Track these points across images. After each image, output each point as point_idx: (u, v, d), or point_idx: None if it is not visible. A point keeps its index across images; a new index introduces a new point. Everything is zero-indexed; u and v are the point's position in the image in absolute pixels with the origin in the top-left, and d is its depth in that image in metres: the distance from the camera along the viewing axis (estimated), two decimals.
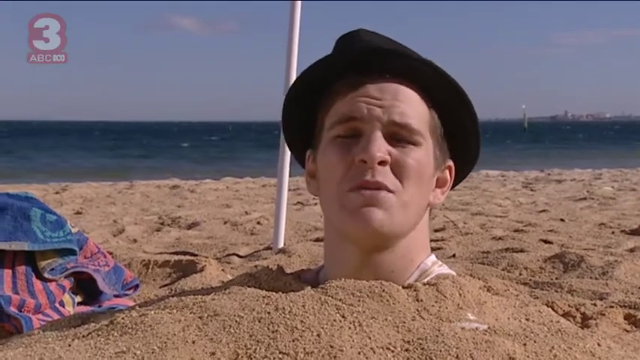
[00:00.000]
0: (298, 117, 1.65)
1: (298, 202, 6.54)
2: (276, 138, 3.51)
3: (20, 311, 1.96)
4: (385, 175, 1.45)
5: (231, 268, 3.52)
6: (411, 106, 1.50)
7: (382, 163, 1.45)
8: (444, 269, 1.59)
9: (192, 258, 3.56)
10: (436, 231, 4.58)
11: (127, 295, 2.43)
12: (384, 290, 1.37)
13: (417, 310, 1.34)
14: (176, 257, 3.60)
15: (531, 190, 8.84)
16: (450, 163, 1.60)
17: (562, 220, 5.13)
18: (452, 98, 1.54)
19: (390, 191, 1.46)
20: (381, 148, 1.44)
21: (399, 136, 1.48)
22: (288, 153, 3.45)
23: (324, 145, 1.54)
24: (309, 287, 1.44)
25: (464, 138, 1.59)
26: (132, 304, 2.20)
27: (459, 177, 1.64)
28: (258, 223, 5.04)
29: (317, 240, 3.76)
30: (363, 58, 1.52)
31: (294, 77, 3.28)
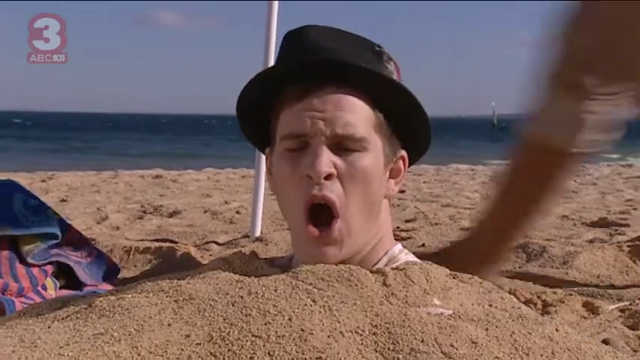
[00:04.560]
0: (251, 120, 1.66)
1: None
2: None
3: (3, 294, 1.94)
4: (331, 189, 1.47)
5: (210, 255, 3.51)
6: (355, 113, 1.50)
7: (328, 177, 1.47)
8: (411, 257, 1.60)
9: (172, 245, 3.56)
10: (407, 221, 4.58)
11: (108, 280, 2.41)
12: (352, 275, 1.36)
13: (385, 295, 1.34)
14: (157, 244, 3.59)
15: None
16: (403, 153, 1.61)
17: None
18: (396, 97, 1.54)
19: (336, 214, 1.48)
20: (326, 162, 1.46)
21: (344, 145, 1.49)
22: None
23: (276, 154, 1.56)
24: (281, 272, 1.44)
25: (413, 129, 1.60)
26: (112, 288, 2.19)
27: (413, 161, 1.66)
28: (237, 212, 5.04)
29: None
30: (307, 70, 1.51)
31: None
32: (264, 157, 3.60)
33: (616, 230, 3.86)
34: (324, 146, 1.47)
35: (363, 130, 1.49)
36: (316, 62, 1.51)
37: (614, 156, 21.51)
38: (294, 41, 1.57)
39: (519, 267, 2.71)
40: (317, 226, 1.49)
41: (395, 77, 1.56)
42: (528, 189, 2.22)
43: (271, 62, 3.58)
